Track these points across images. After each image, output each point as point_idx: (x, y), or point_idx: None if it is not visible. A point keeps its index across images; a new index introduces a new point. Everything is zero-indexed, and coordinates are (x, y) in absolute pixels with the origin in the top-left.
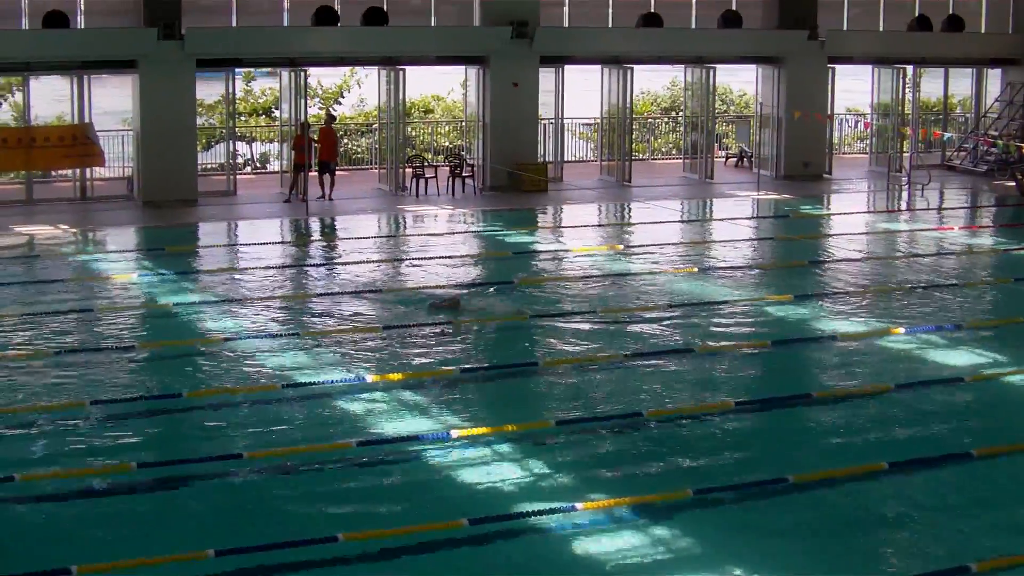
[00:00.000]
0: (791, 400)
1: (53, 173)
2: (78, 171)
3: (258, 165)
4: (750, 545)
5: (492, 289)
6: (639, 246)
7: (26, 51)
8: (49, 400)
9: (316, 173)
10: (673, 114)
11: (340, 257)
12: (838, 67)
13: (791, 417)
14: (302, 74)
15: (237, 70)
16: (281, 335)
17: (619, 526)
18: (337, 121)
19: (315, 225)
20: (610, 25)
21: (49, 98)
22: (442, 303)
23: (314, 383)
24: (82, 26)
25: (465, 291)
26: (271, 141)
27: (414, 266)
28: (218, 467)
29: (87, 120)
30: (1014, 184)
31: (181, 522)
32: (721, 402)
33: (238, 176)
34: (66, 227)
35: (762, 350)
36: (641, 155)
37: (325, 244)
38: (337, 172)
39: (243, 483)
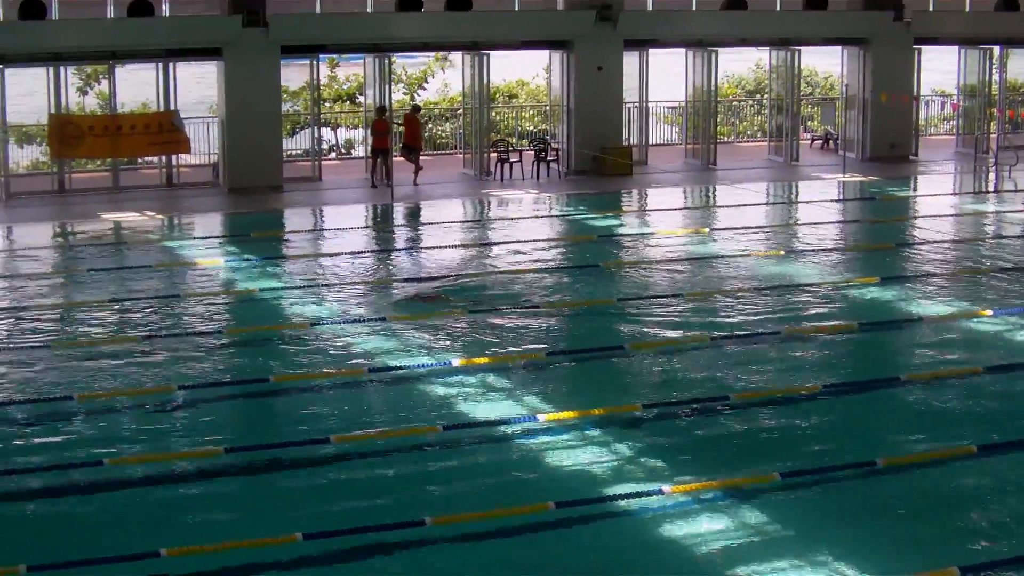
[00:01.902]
0: (878, 383)
1: (139, 160)
2: (164, 158)
3: (343, 151)
4: (838, 528)
5: (577, 273)
6: (725, 229)
7: (112, 39)
8: (137, 385)
9: (401, 157)
10: (758, 96)
11: (425, 241)
12: (924, 48)
13: (879, 400)
14: (386, 60)
15: (321, 56)
16: (366, 319)
17: (706, 509)
18: (421, 112)
19: (400, 210)
20: (694, 8)
21: (135, 86)
22: (425, 297)
23: (400, 367)
24: (167, 14)
25: (536, 276)
26: (355, 127)
27: (499, 250)
28: (305, 451)
29: (172, 107)
30: None
31: (269, 506)
32: (808, 385)
33: (323, 162)
34: (152, 214)
35: (849, 333)
36: (726, 138)
37: (409, 229)
38: (422, 157)
39: (330, 467)
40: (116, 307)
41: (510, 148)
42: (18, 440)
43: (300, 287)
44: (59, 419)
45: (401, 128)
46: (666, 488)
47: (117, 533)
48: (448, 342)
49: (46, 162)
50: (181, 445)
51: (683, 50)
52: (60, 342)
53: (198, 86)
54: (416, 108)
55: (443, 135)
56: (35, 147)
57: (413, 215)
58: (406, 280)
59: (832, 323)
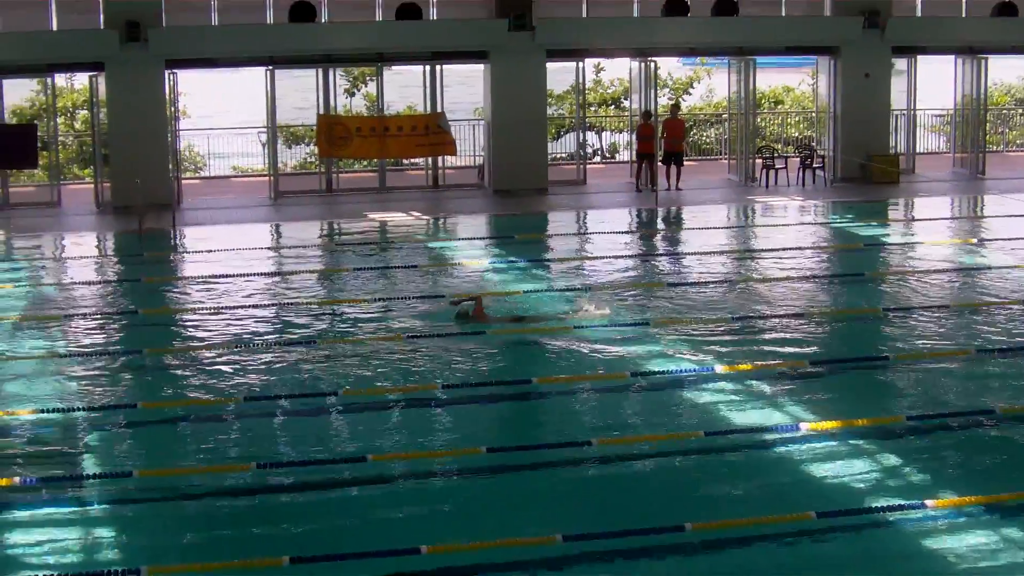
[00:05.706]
0: None
1: (405, 161)
2: (430, 160)
3: (607, 155)
4: None
5: (842, 281)
6: (993, 239)
7: (380, 42)
8: (401, 382)
9: (663, 164)
10: None
11: (689, 247)
12: None
13: None
14: (652, 64)
15: (587, 60)
16: (630, 323)
17: (969, 524)
18: (680, 112)
19: (664, 215)
20: (964, 15)
21: (401, 88)
22: (461, 309)
23: (663, 372)
24: (434, 17)
25: (801, 284)
26: (620, 131)
27: (763, 257)
28: (567, 453)
29: (439, 109)
30: None
31: (529, 506)
32: None
33: (587, 166)
34: (418, 214)
35: None
36: (995, 147)
37: (673, 234)
38: (687, 162)
39: (592, 469)
40: (381, 305)
41: (776, 154)
42: (283, 433)
43: (564, 289)
44: (324, 414)
45: (663, 136)
46: (929, 502)
47: (378, 528)
48: (712, 348)
49: (314, 162)
50: (443, 443)
51: (951, 57)
52: (326, 338)
53: (464, 88)
54: (676, 108)
55: (707, 141)
56: (303, 147)
57: (677, 220)
58: (669, 285)
59: None
